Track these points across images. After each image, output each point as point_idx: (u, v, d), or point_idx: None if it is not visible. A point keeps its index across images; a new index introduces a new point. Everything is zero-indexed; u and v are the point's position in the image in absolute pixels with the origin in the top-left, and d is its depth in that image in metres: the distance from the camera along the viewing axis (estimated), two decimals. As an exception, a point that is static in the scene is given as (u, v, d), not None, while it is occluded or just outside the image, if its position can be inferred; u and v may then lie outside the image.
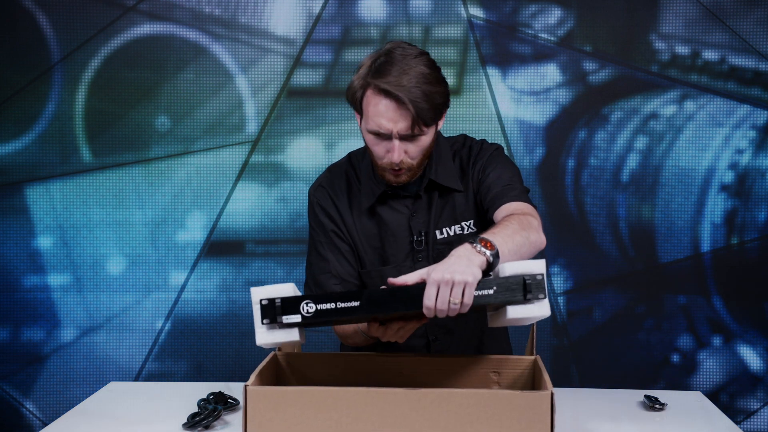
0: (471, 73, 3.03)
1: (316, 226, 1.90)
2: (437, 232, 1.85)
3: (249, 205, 3.08)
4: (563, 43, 3.03)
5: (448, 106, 1.76)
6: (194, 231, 3.09)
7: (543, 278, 1.41)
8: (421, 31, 3.03)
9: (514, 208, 1.71)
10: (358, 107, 1.74)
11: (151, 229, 3.09)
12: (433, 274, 1.43)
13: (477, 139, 1.92)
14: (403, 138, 1.70)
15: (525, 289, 1.41)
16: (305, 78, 3.06)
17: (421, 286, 1.43)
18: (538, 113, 3.04)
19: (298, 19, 3.05)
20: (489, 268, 1.48)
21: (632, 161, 3.04)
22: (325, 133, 3.07)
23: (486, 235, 1.52)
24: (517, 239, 1.55)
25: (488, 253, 1.48)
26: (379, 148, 1.73)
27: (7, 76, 3.05)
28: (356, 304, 1.44)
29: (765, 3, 2.98)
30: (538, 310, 1.42)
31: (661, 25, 3.01)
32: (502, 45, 3.04)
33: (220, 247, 3.09)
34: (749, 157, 3.02)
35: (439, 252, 1.84)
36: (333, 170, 1.94)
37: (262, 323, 1.48)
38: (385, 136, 1.70)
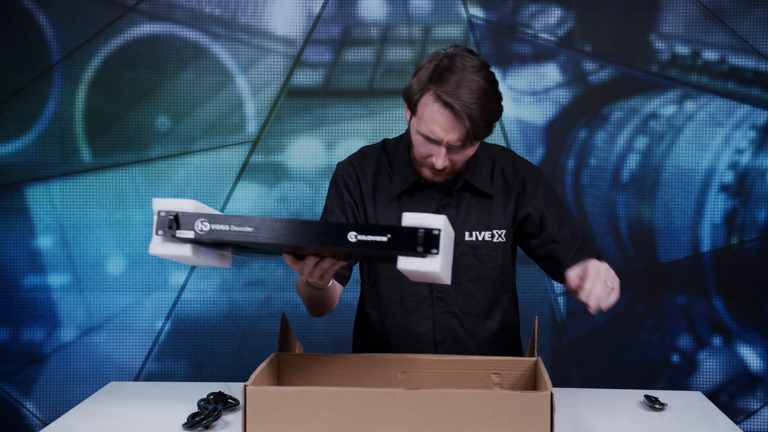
0: (471, 73, 3.03)
1: (334, 196, 1.92)
2: (467, 233, 1.87)
3: (249, 205, 3.08)
4: (563, 43, 3.03)
5: (499, 119, 1.78)
6: (194, 231, 3.09)
7: (439, 233, 1.39)
8: (421, 31, 3.04)
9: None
10: (413, 106, 1.76)
11: (151, 229, 3.08)
12: (590, 271, 1.60)
13: (520, 156, 1.96)
14: (451, 147, 1.73)
15: (418, 241, 1.39)
16: (305, 78, 3.06)
17: (313, 222, 1.43)
18: (538, 113, 3.04)
19: (298, 19, 3.05)
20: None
21: (632, 161, 3.04)
22: (325, 133, 3.07)
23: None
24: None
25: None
26: (424, 149, 1.76)
27: (7, 76, 3.05)
28: (249, 229, 1.43)
29: (765, 3, 2.98)
30: (429, 264, 1.39)
31: (661, 25, 3.01)
32: (502, 45, 3.04)
33: (220, 247, 3.08)
34: (749, 157, 3.02)
35: (462, 252, 1.87)
36: (365, 152, 1.96)
37: (157, 233, 1.48)
38: (434, 142, 1.73)
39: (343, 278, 1.91)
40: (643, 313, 3.06)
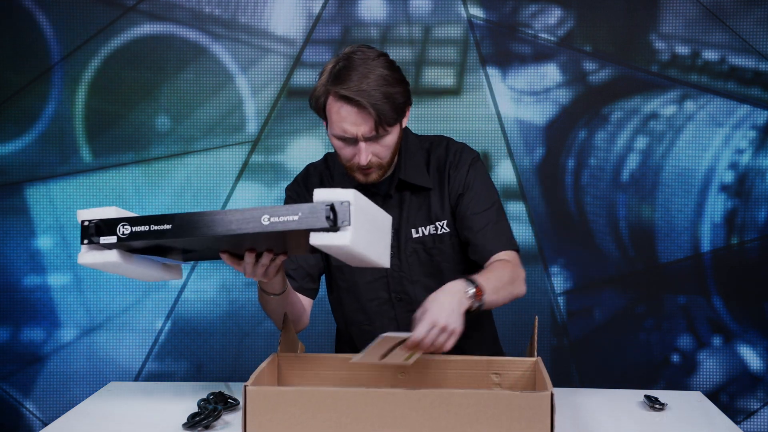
0: (471, 73, 3.03)
1: None
2: (413, 231, 1.88)
3: (249, 205, 3.08)
4: (563, 43, 3.03)
5: (410, 104, 1.80)
6: (194, 231, 3.09)
7: (349, 205, 1.40)
8: (421, 31, 3.04)
9: (505, 257, 1.81)
10: (321, 113, 1.78)
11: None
12: (429, 315, 1.56)
13: (458, 142, 1.94)
14: (368, 139, 1.74)
15: (326, 214, 1.40)
16: (305, 78, 3.06)
17: (230, 211, 1.44)
18: (538, 113, 3.04)
19: (298, 19, 3.05)
20: (467, 311, 1.59)
21: (632, 161, 3.04)
22: (324, 133, 3.05)
23: (480, 281, 1.64)
24: (503, 293, 1.71)
25: (476, 304, 1.62)
26: (346, 152, 1.77)
27: (7, 76, 3.05)
28: (168, 226, 1.44)
29: (765, 3, 2.98)
30: (339, 238, 1.40)
31: (661, 25, 3.01)
32: (502, 45, 3.04)
33: (220, 247, 3.08)
34: (749, 157, 3.02)
35: (413, 250, 1.88)
36: (309, 169, 1.99)
37: (82, 243, 1.50)
38: (350, 140, 1.74)
39: (310, 291, 1.92)
40: (643, 313, 3.06)
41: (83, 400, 1.87)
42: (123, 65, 3.05)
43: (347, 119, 1.72)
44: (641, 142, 3.04)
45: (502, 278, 1.72)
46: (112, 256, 1.50)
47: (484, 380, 1.70)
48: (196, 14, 3.05)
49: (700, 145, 3.02)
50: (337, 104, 1.72)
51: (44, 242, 3.09)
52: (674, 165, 3.03)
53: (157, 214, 1.47)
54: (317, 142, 3.07)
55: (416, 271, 1.89)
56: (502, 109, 3.04)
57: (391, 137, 1.77)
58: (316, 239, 1.41)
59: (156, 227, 1.45)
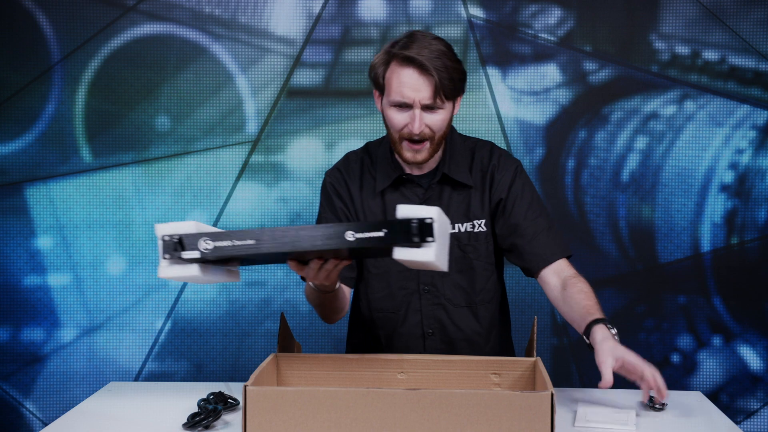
0: (471, 73, 3.03)
1: (326, 203, 1.97)
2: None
3: (249, 205, 3.08)
4: (563, 43, 3.03)
5: (464, 91, 1.85)
6: (194, 231, 3.09)
7: (432, 222, 1.44)
8: (421, 31, 3.03)
9: (566, 268, 1.90)
10: (380, 83, 1.82)
11: (151, 229, 3.08)
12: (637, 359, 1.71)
13: (501, 148, 2.00)
14: (424, 108, 1.77)
15: (413, 231, 1.44)
16: (305, 78, 3.06)
17: (310, 226, 1.48)
18: (538, 113, 3.04)
19: (298, 19, 3.05)
20: None
21: (632, 161, 3.04)
22: (325, 133, 3.07)
23: (604, 318, 1.79)
24: None
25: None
26: (400, 119, 1.80)
27: (7, 76, 3.05)
28: (251, 242, 1.48)
29: (765, 3, 2.98)
30: (424, 254, 1.45)
31: (661, 25, 3.01)
32: (502, 45, 3.04)
33: (220, 247, 3.08)
34: (749, 157, 3.02)
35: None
36: (350, 156, 2.02)
37: (164, 258, 1.51)
38: (406, 107, 1.78)
39: (349, 280, 1.94)
40: (643, 313, 3.06)
41: (83, 400, 1.87)
42: (123, 65, 3.05)
43: (408, 83, 1.76)
44: (641, 142, 3.04)
45: (594, 298, 1.85)
46: (194, 270, 1.52)
47: (484, 380, 1.70)
48: (196, 14, 3.05)
49: (700, 145, 3.02)
50: (399, 69, 1.77)
51: (44, 242, 3.09)
52: (674, 165, 3.03)
53: (240, 229, 1.51)
54: (317, 142, 3.07)
55: (449, 264, 1.91)
56: (502, 109, 3.04)
57: (444, 114, 1.81)
58: (400, 254, 1.46)
59: (239, 242, 1.48)
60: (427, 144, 1.82)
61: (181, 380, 3.09)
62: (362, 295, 2.01)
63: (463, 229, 1.92)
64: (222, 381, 1.97)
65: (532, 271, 1.91)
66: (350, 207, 1.95)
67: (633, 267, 3.05)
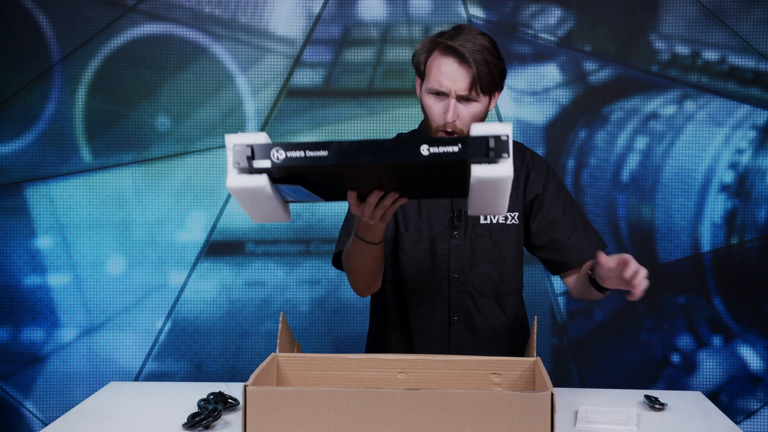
0: (471, 73, 3.03)
1: None
2: (481, 217, 1.94)
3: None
4: (563, 43, 3.03)
5: (502, 87, 1.88)
6: (194, 231, 3.09)
7: (508, 138, 1.43)
8: (421, 31, 3.04)
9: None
10: (421, 70, 1.86)
11: (151, 229, 3.09)
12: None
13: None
14: (459, 99, 1.80)
15: (490, 146, 1.42)
16: (305, 78, 3.07)
17: (389, 140, 1.46)
18: (538, 113, 3.04)
19: (298, 19, 3.05)
20: None
21: (632, 161, 3.04)
22: (325, 133, 3.07)
23: None
24: None
25: None
26: (436, 108, 1.83)
27: (7, 76, 3.05)
28: (324, 153, 1.43)
29: (765, 3, 2.98)
30: (502, 170, 1.42)
31: (661, 25, 3.01)
32: (502, 45, 3.02)
33: (220, 247, 3.09)
34: (749, 157, 3.02)
35: (478, 235, 1.95)
36: (400, 136, 2.05)
37: (234, 167, 1.46)
38: (442, 96, 1.81)
39: (386, 257, 1.96)
40: (643, 313, 3.06)
41: (83, 400, 1.87)
42: (123, 65, 3.05)
43: (446, 72, 1.79)
44: (641, 142, 3.04)
45: None
46: (263, 180, 1.46)
47: (483, 380, 1.70)
48: (196, 14, 3.05)
49: (699, 145, 3.02)
50: (440, 57, 1.81)
51: (44, 242, 3.09)
52: (674, 165, 3.03)
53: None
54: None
55: (478, 255, 1.96)
56: (502, 109, 3.04)
57: (479, 107, 1.83)
58: (479, 171, 1.43)
59: (312, 153, 1.43)
60: (459, 134, 1.84)
61: (181, 380, 3.09)
62: (393, 282, 2.03)
63: (495, 221, 1.96)
64: (222, 381, 1.97)
65: (569, 266, 1.95)
66: None
67: (633, 267, 3.05)
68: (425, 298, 1.99)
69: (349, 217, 1.99)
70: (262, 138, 1.46)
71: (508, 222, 1.96)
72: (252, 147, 1.44)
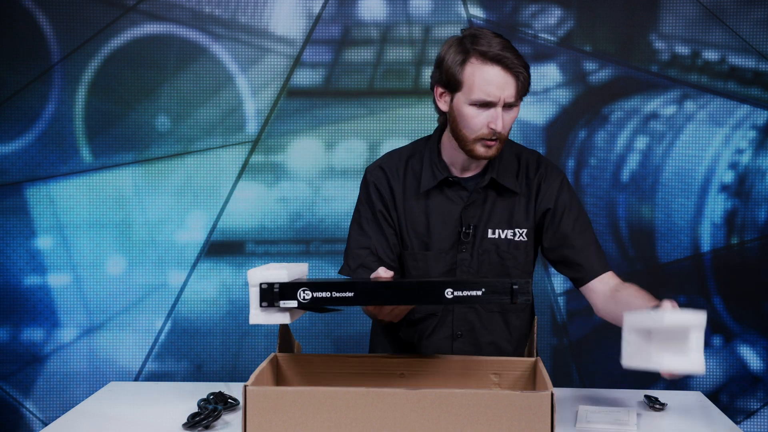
0: (471, 73, 3.03)
1: (366, 202, 1.96)
2: (489, 231, 1.91)
3: (249, 205, 3.08)
4: (563, 43, 3.03)
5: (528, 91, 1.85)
6: (194, 231, 3.09)
7: (528, 283, 1.49)
8: (421, 31, 3.04)
9: (614, 277, 1.91)
10: (456, 82, 1.79)
11: (151, 229, 3.09)
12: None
13: (546, 157, 2.01)
14: (505, 106, 1.78)
15: (512, 292, 1.49)
16: (305, 78, 3.06)
17: (408, 281, 1.50)
18: (538, 113, 3.04)
19: (298, 19, 3.05)
20: None
21: (632, 161, 3.04)
22: (325, 133, 3.07)
23: None
24: None
25: None
26: (479, 120, 1.78)
27: (7, 76, 3.05)
28: (350, 294, 1.49)
29: (765, 3, 2.98)
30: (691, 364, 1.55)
31: (661, 25, 3.01)
32: (502, 45, 3.03)
33: (220, 247, 3.09)
34: (749, 157, 3.02)
35: (485, 249, 1.91)
36: (393, 155, 1.99)
37: (261, 306, 1.52)
38: (488, 106, 1.77)
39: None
40: (643, 313, 3.06)
41: (83, 400, 1.87)
42: (123, 65, 3.05)
43: (493, 81, 1.75)
44: (641, 142, 3.04)
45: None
46: (286, 318, 1.54)
47: (483, 380, 1.70)
48: (196, 14, 3.05)
49: (699, 145, 3.02)
50: (482, 67, 1.76)
51: (44, 242, 3.09)
52: (674, 165, 3.03)
53: (334, 280, 1.53)
54: (317, 142, 3.07)
55: (485, 270, 1.92)
56: (502, 109, 3.04)
57: (517, 111, 1.82)
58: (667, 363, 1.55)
59: (338, 294, 1.50)
60: (497, 142, 1.82)
61: (181, 380, 3.09)
62: None
63: (503, 236, 1.91)
64: (222, 381, 1.97)
65: (582, 281, 1.91)
66: (391, 210, 1.93)
67: (633, 267, 3.05)
68: (433, 314, 1.97)
69: (351, 245, 1.96)
70: (284, 274, 1.51)
71: (516, 239, 1.92)
72: (280, 288, 1.50)
